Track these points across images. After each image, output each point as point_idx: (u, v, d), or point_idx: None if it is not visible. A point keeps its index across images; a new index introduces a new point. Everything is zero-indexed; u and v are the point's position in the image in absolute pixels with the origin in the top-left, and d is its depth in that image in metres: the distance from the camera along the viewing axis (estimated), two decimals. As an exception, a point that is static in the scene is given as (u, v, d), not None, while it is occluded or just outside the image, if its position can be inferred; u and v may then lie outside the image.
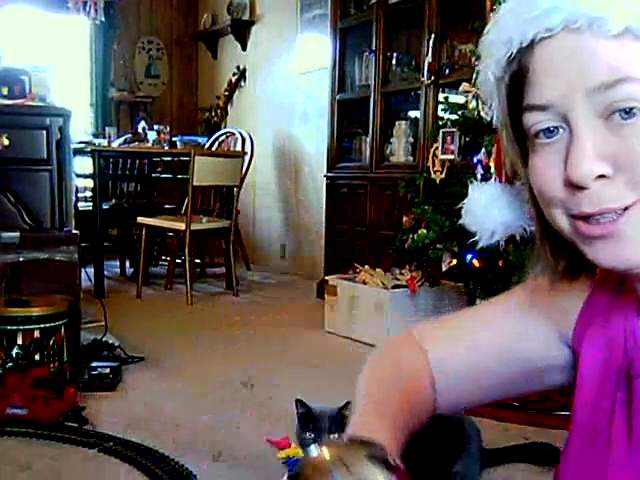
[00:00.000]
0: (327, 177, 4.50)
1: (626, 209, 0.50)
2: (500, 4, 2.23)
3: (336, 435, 1.58)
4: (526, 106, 0.53)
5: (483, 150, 2.65)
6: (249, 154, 4.85)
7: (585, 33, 0.48)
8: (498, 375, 0.72)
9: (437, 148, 2.97)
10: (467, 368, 0.72)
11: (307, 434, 1.59)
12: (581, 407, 0.64)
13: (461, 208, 2.70)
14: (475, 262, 2.64)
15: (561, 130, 0.52)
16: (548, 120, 0.52)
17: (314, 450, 0.57)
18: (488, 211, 0.63)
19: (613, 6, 0.47)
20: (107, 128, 5.38)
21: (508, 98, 0.56)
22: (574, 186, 0.51)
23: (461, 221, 0.67)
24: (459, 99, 2.99)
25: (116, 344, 2.93)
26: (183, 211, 4.66)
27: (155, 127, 5.11)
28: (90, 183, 4.76)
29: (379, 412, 0.64)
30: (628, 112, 0.48)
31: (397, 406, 0.66)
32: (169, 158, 5.44)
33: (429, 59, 3.59)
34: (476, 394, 0.74)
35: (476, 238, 0.65)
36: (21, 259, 2.59)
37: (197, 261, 5.05)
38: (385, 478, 0.54)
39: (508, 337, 0.71)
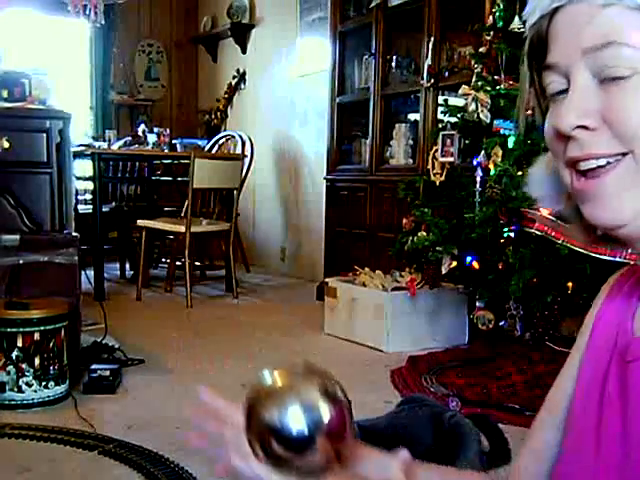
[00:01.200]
0: (327, 179, 4.51)
1: (608, 166, 0.55)
2: (499, 7, 2.24)
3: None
4: (542, 66, 0.60)
5: (483, 152, 2.66)
6: (249, 157, 4.85)
7: (583, 2, 0.55)
8: None
9: (437, 151, 2.98)
10: (542, 467, 0.71)
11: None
12: (578, 399, 0.65)
13: (461, 211, 2.71)
14: (475, 264, 2.65)
15: (567, 88, 0.57)
16: (556, 82, 0.58)
17: (267, 376, 0.59)
18: (545, 178, 0.66)
19: None
20: (107, 131, 5.39)
21: (529, 61, 0.62)
22: (563, 136, 0.56)
23: (523, 188, 0.71)
24: (459, 102, 2.99)
25: (116, 346, 2.93)
26: (183, 214, 4.66)
27: (155, 130, 5.11)
28: (90, 186, 4.76)
29: None
30: (615, 78, 0.54)
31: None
32: (169, 161, 5.45)
33: (429, 62, 3.60)
34: None
35: (539, 205, 0.69)
36: (21, 262, 2.59)
37: (197, 263, 5.05)
38: (326, 410, 0.54)
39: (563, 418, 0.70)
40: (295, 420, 0.53)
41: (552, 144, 0.59)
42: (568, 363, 0.72)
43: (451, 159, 2.92)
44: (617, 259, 1.95)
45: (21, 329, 2.33)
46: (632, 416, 0.57)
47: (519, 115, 0.70)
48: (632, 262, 0.65)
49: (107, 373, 2.54)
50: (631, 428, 0.57)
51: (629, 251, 0.62)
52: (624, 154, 0.54)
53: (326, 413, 0.54)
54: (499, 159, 2.57)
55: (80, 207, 4.81)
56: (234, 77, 6.08)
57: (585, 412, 0.63)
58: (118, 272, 5.17)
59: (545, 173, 0.65)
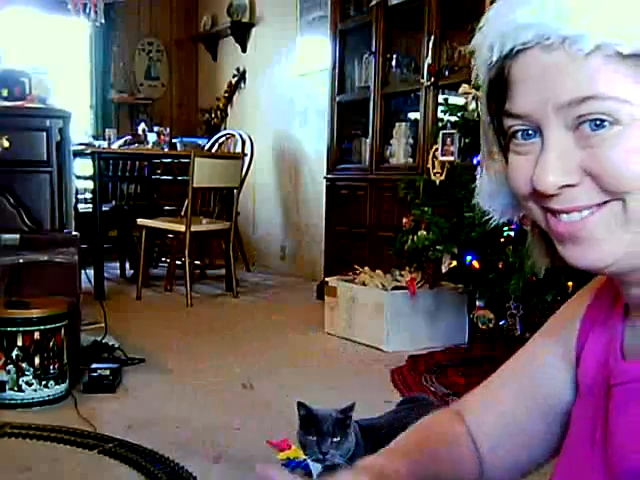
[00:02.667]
0: (327, 178, 4.50)
1: (592, 213, 0.52)
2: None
3: (337, 438, 1.58)
4: (505, 111, 0.56)
5: (483, 152, 2.66)
6: (249, 156, 4.85)
7: (557, 50, 0.50)
8: (533, 428, 0.71)
9: (437, 150, 2.97)
10: (502, 426, 0.72)
11: (309, 436, 1.59)
12: (575, 419, 0.65)
13: (461, 210, 2.71)
14: (475, 263, 2.64)
15: (537, 135, 0.54)
16: (522, 128, 0.55)
17: None
18: (498, 190, 0.64)
19: (585, 26, 0.49)
20: (107, 130, 5.39)
21: (488, 99, 0.59)
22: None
23: (474, 200, 0.68)
24: (459, 100, 2.99)
25: (116, 346, 2.93)
26: (183, 213, 4.66)
27: (155, 129, 5.11)
28: (90, 185, 4.76)
29: (388, 452, 0.65)
30: (598, 125, 0.50)
31: (412, 447, 0.66)
32: (169, 160, 5.44)
33: (429, 61, 3.60)
34: (520, 454, 0.73)
35: (488, 217, 0.66)
36: (21, 261, 2.59)
37: (197, 263, 5.05)
38: None
39: (531, 386, 0.71)
40: None
41: (520, 188, 0.56)
42: (541, 343, 0.72)
43: (451, 158, 2.91)
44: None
45: (21, 328, 2.33)
46: (610, 440, 0.57)
47: (482, 163, 0.66)
48: None
49: (107, 372, 2.54)
50: (610, 453, 0.57)
51: None
52: (607, 201, 0.52)
53: None
54: (499, 158, 2.57)
55: (80, 206, 4.80)
56: (234, 76, 6.07)
57: (579, 436, 0.63)
58: (118, 271, 5.17)
59: (494, 188, 0.63)
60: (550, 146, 0.52)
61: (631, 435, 0.55)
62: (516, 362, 0.75)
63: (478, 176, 0.65)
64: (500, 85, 0.55)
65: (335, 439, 1.57)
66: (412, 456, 0.65)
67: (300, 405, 1.63)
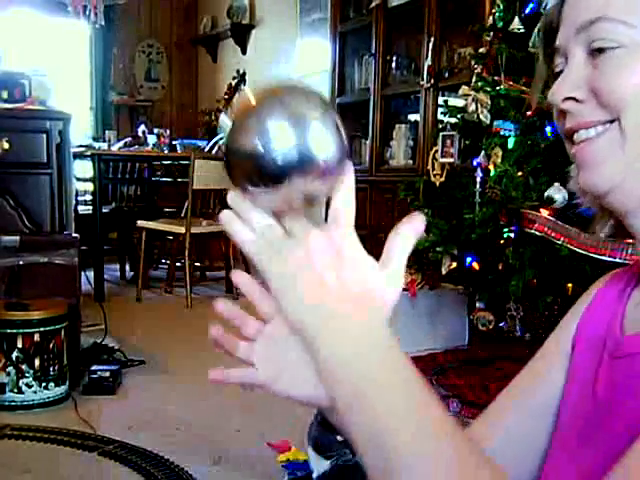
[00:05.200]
0: (327, 180, 4.51)
1: (597, 135, 0.57)
2: (499, 7, 2.23)
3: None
4: (552, 51, 0.62)
5: (483, 153, 2.66)
6: (249, 157, 4.85)
7: None
8: (540, 443, 0.70)
9: (437, 151, 2.97)
10: (506, 444, 0.70)
11: (336, 436, 1.57)
12: (572, 399, 0.65)
13: (461, 211, 2.71)
14: (475, 265, 2.64)
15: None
16: (560, 63, 0.61)
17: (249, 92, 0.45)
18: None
19: None
20: (107, 132, 5.39)
21: (544, 48, 0.65)
22: (561, 111, 0.60)
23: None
24: (458, 102, 2.99)
25: (116, 347, 2.93)
26: (183, 214, 4.66)
27: (155, 130, 5.12)
28: (90, 187, 4.76)
29: None
30: (605, 48, 0.56)
31: None
32: (169, 161, 5.45)
33: (429, 62, 3.60)
34: (522, 467, 0.71)
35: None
36: (21, 262, 2.59)
37: (197, 264, 5.05)
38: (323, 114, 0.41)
39: (537, 405, 0.70)
40: (281, 139, 0.40)
41: (556, 122, 0.62)
42: (544, 357, 0.72)
43: (451, 160, 2.91)
44: (617, 260, 1.95)
45: (21, 330, 2.33)
46: (616, 412, 0.58)
47: (533, 93, 0.74)
48: (631, 262, 0.65)
49: (107, 374, 2.54)
50: (615, 425, 0.57)
51: (629, 252, 0.62)
52: (611, 121, 0.56)
53: (325, 133, 0.41)
54: (499, 160, 2.57)
55: (80, 208, 4.81)
56: (234, 78, 6.07)
57: (576, 412, 0.63)
58: (118, 273, 5.17)
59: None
60: (568, 67, 0.59)
61: None
62: (519, 383, 0.73)
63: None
64: (552, 30, 0.62)
65: None
66: None
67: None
